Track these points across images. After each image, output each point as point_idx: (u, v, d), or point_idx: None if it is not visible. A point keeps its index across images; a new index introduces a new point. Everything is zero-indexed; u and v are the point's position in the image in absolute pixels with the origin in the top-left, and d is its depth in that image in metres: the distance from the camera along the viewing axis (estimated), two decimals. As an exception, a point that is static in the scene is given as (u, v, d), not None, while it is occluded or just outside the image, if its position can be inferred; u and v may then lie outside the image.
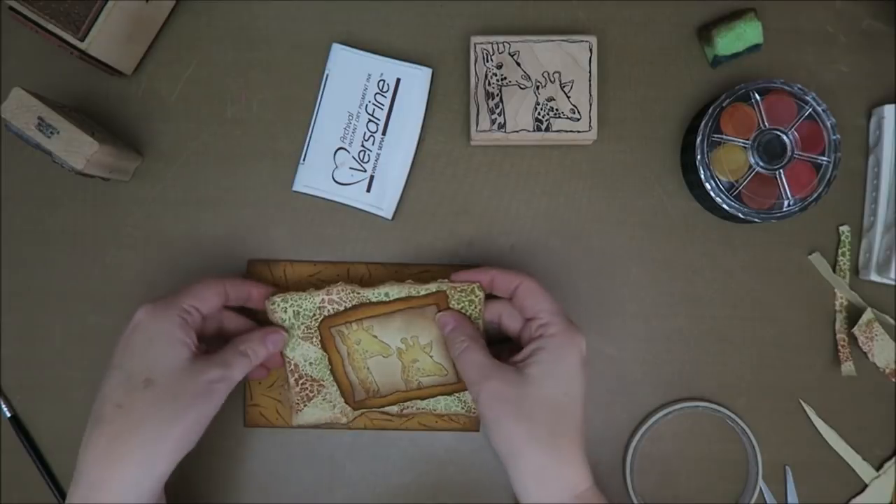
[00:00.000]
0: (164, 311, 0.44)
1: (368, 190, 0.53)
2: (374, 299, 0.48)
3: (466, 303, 0.48)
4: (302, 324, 0.49)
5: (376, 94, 0.53)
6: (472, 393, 0.45)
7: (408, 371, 0.50)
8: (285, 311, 0.48)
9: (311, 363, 0.50)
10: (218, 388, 0.43)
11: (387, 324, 0.49)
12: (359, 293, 0.48)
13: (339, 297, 0.48)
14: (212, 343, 0.48)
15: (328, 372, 0.50)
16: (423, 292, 0.48)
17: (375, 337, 0.49)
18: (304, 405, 0.51)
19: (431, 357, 0.50)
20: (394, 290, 0.48)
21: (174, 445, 0.42)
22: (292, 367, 0.50)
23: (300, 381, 0.50)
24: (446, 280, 0.48)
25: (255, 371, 0.48)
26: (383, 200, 0.53)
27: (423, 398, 0.51)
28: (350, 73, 0.53)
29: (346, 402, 0.51)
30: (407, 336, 0.49)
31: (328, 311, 0.48)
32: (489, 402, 0.43)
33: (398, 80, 0.53)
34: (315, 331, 0.49)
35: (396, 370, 0.50)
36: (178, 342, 0.43)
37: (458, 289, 0.48)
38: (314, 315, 0.48)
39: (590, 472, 0.43)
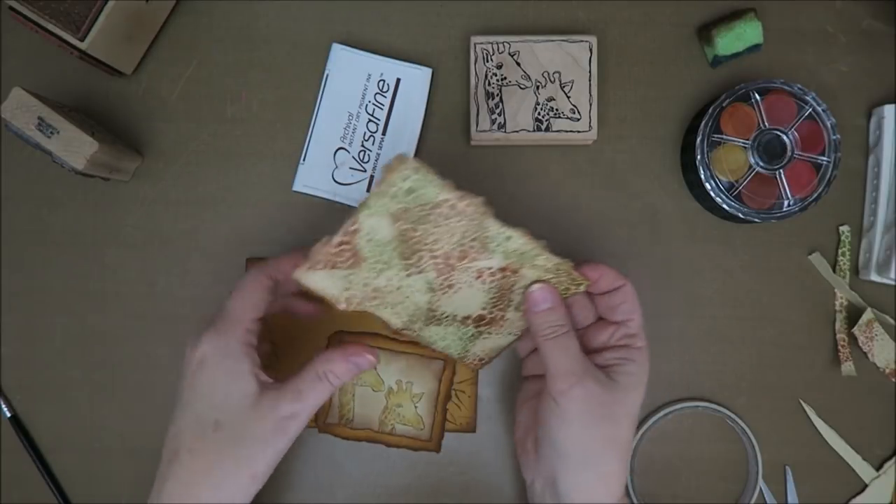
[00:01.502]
0: (228, 339, 0.41)
1: (368, 190, 0.53)
2: (492, 233, 0.40)
3: (565, 288, 0.44)
4: (404, 204, 0.39)
5: (376, 94, 0.53)
6: (557, 384, 0.42)
7: (388, 412, 0.51)
8: (404, 181, 0.38)
9: (370, 239, 0.40)
10: (290, 424, 0.41)
11: (391, 360, 0.49)
12: (482, 220, 0.40)
13: (464, 208, 0.39)
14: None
15: (377, 259, 0.41)
16: (542, 255, 0.42)
17: (375, 368, 0.49)
18: (321, 267, 0.40)
19: (416, 408, 0.50)
20: (517, 237, 0.41)
21: (246, 485, 0.41)
22: (352, 228, 0.39)
23: (341, 245, 0.40)
24: (568, 260, 0.43)
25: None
26: (383, 200, 0.53)
27: (388, 444, 0.52)
28: (350, 73, 0.53)
29: (313, 419, 0.50)
30: (403, 379, 0.49)
31: (440, 215, 0.39)
32: (582, 399, 0.42)
33: (398, 80, 0.53)
34: (412, 218, 0.40)
35: (378, 407, 0.50)
36: (244, 375, 0.41)
37: (571, 275, 0.43)
38: (423, 206, 0.39)
39: None
